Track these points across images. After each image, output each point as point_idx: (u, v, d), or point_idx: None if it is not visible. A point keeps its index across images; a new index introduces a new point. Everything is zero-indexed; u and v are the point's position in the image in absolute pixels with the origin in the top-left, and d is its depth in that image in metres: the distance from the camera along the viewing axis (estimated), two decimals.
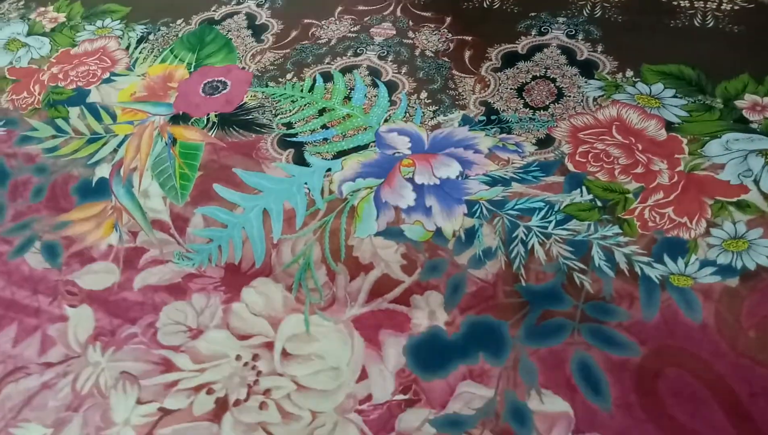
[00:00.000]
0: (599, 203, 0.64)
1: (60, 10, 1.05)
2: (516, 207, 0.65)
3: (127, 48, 0.94)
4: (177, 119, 0.82)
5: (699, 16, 0.79)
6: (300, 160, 0.74)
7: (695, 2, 0.81)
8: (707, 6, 0.80)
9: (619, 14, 0.82)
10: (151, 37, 0.94)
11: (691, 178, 0.63)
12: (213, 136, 0.79)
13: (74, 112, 0.86)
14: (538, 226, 0.62)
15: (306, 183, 0.72)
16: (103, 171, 0.78)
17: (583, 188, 0.65)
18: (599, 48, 0.78)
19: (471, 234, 0.64)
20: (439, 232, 0.65)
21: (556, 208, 0.64)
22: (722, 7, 0.80)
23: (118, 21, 0.99)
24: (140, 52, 0.93)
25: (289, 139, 0.76)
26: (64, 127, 0.85)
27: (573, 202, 0.65)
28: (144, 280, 0.69)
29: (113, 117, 0.84)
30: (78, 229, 0.75)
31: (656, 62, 0.75)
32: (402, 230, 0.66)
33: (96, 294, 0.68)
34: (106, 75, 0.90)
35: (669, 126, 0.68)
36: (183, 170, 0.76)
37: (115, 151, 0.80)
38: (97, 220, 0.75)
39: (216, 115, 0.81)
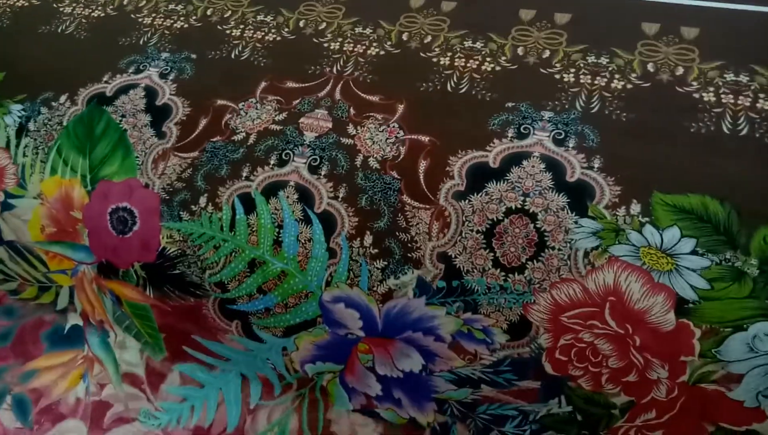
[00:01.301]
0: (579, 416, 0.48)
1: None
2: (488, 411, 0.51)
3: (7, 146, 0.74)
4: (106, 271, 0.64)
5: (728, 117, 0.60)
6: (251, 334, 0.59)
7: (722, 97, 0.61)
8: (738, 102, 0.60)
9: (623, 110, 0.62)
10: (31, 126, 0.74)
11: (696, 392, 0.47)
12: (151, 296, 0.62)
13: (2, 253, 0.69)
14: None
15: (268, 358, 0.59)
16: (74, 319, 0.70)
17: (563, 397, 0.49)
18: (596, 162, 0.59)
19: (445, 429, 0.56)
20: (413, 419, 0.57)
21: (530, 419, 0.49)
22: (758, 105, 0.60)
23: None
24: (24, 155, 0.73)
25: (229, 306, 0.60)
26: (9, 271, 0.68)
27: (549, 412, 0.49)
28: None
29: (43, 262, 0.67)
30: (44, 379, 0.69)
31: (672, 188, 0.56)
32: (377, 412, 0.59)
33: None
34: (1, 197, 0.71)
35: (680, 305, 0.51)
36: (146, 330, 0.63)
37: (72, 302, 0.66)
38: (64, 368, 0.68)
39: (141, 267, 0.63)
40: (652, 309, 0.50)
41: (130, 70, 0.76)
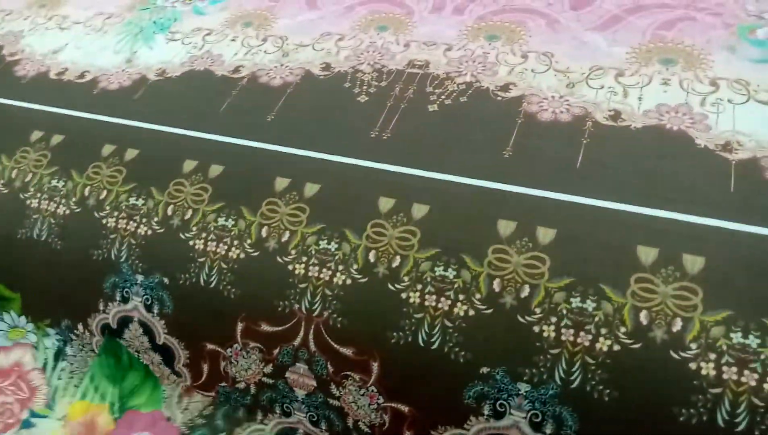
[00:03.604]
0: None
1: None
2: None
3: (44, 367, 0.83)
4: None
5: (726, 401, 0.53)
6: None
7: (723, 370, 0.52)
8: (741, 380, 0.52)
9: (607, 386, 0.56)
10: (68, 350, 0.81)
11: None
12: None
13: None
14: None
15: None
16: None
17: None
18: None
19: None
20: None
21: None
22: (765, 387, 0.52)
23: (20, 314, 0.84)
24: (59, 378, 0.81)
25: None
26: None
27: None
28: None
29: None
30: None
31: None
32: None
33: None
34: (25, 414, 0.82)
35: None
36: None
37: None
38: None
39: None
40: None
41: (117, 298, 0.77)
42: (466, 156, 0.70)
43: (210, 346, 0.73)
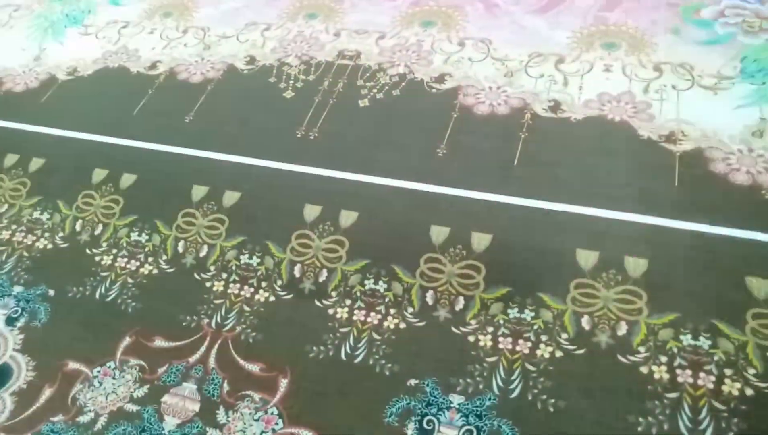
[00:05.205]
0: None
1: None
2: None
3: None
4: None
5: (686, 405, 0.49)
6: None
7: (677, 373, 0.49)
8: (698, 384, 0.48)
9: (552, 395, 0.52)
10: None
11: None
12: None
13: None
14: None
15: None
16: None
17: None
18: None
19: None
20: None
21: None
22: (723, 389, 0.48)
23: None
24: None
25: None
26: None
27: None
28: None
29: None
30: None
31: None
32: None
33: None
34: None
35: None
36: None
37: None
38: None
39: None
40: None
41: None
42: (398, 156, 0.65)
43: (73, 365, 0.63)
